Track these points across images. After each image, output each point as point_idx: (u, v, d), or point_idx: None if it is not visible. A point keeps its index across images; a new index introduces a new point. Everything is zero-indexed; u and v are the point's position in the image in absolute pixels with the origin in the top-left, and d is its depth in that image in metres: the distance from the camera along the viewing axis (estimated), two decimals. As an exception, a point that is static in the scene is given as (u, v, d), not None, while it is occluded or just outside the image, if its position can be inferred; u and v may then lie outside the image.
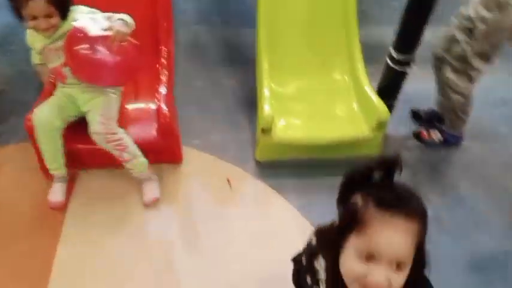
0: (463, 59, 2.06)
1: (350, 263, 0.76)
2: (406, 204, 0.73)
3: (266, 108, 2.04)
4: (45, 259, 1.72)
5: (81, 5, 1.74)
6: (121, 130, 1.82)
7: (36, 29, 1.63)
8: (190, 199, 2.00)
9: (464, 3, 2.09)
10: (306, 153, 2.17)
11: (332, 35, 2.39)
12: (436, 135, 2.33)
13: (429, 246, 0.81)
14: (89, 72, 1.72)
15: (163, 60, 2.21)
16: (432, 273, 0.85)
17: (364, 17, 2.50)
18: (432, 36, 2.14)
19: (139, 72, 1.91)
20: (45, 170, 1.92)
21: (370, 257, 0.73)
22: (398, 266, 0.73)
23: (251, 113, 2.35)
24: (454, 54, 2.10)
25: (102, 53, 1.64)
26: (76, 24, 1.64)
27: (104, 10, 1.74)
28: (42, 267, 1.70)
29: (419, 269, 0.79)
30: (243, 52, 2.79)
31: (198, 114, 2.40)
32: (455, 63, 2.10)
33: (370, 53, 2.36)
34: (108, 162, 1.90)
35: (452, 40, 2.11)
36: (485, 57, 2.04)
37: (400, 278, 0.74)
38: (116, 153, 1.82)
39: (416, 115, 2.50)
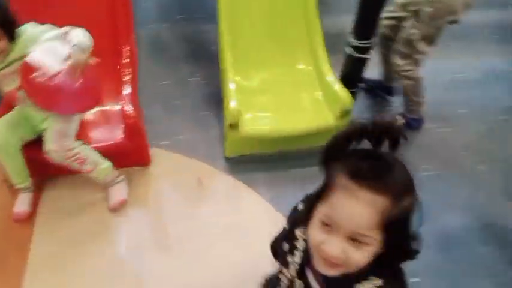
0: (409, 43, 2.13)
1: (313, 230, 0.74)
2: (377, 178, 0.67)
3: (232, 103, 2.04)
4: (14, 273, 1.68)
5: (31, 22, 1.65)
6: (77, 143, 1.78)
7: None
8: (161, 201, 1.99)
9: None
10: (273, 146, 2.19)
11: (293, 26, 2.40)
12: (397, 119, 2.39)
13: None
14: (45, 100, 1.65)
15: (125, 60, 2.17)
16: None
17: (324, 6, 2.52)
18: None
19: (102, 96, 1.86)
20: (9, 183, 1.87)
21: (329, 226, 0.71)
22: (357, 240, 0.69)
23: (218, 110, 2.35)
24: (401, 39, 2.16)
25: (61, 82, 1.58)
26: (31, 59, 1.55)
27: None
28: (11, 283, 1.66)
29: (393, 255, 0.73)
30: (206, 48, 2.77)
31: (165, 114, 2.38)
32: (403, 49, 2.16)
33: (332, 42, 2.39)
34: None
35: (398, 26, 2.18)
36: (430, 40, 2.11)
37: (359, 254, 0.70)
38: (76, 167, 1.79)
39: (366, 87, 2.55)
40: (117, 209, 1.91)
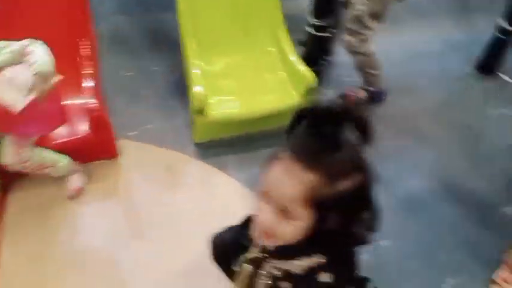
0: (358, 20, 2.15)
1: (254, 199, 0.76)
2: (313, 155, 0.67)
3: (198, 88, 2.04)
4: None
5: None
6: (34, 152, 1.73)
7: None
8: (131, 190, 1.99)
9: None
10: (241, 128, 2.21)
11: (254, 8, 2.40)
12: (361, 94, 2.45)
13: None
14: (6, 127, 1.61)
15: (85, 53, 2.13)
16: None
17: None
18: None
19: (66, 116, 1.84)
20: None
21: (261, 195, 0.73)
22: (285, 212, 0.70)
23: (184, 97, 2.34)
24: (349, 16, 2.19)
25: (24, 111, 1.53)
26: None
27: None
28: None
29: (336, 236, 0.73)
30: (168, 36, 2.74)
31: (131, 105, 2.36)
32: (351, 26, 2.18)
33: (294, 23, 2.40)
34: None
35: (347, 3, 2.21)
36: (378, 16, 2.14)
37: (287, 228, 0.71)
38: (37, 172, 1.79)
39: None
40: (74, 196, 1.91)
